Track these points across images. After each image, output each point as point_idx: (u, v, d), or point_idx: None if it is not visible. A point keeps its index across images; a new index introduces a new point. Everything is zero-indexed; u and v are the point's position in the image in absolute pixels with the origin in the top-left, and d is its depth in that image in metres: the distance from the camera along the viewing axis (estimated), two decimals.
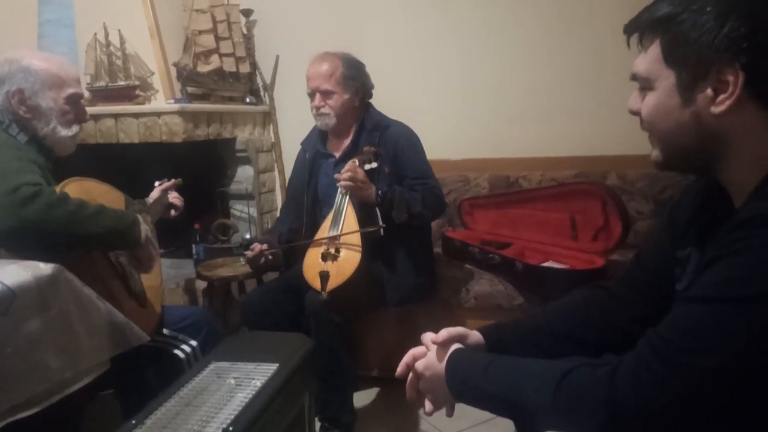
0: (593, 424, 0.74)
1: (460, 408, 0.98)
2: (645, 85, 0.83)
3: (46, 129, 1.58)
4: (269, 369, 1.27)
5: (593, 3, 2.80)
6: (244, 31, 3.22)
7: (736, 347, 0.67)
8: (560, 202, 2.46)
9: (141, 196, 1.93)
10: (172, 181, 2.02)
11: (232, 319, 2.64)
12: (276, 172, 3.41)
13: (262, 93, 3.39)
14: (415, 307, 2.24)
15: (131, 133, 2.68)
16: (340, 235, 2.01)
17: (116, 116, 2.69)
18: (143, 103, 2.72)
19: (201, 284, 2.75)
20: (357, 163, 2.05)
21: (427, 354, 1.01)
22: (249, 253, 2.18)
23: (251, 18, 3.27)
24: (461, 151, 3.03)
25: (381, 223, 2.02)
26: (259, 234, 3.15)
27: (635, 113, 0.86)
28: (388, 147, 2.16)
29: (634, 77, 0.85)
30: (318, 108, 2.19)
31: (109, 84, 2.70)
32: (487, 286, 2.39)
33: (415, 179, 2.15)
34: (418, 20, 3.09)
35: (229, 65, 3.03)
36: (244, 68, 3.16)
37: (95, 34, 2.69)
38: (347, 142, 2.25)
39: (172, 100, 2.68)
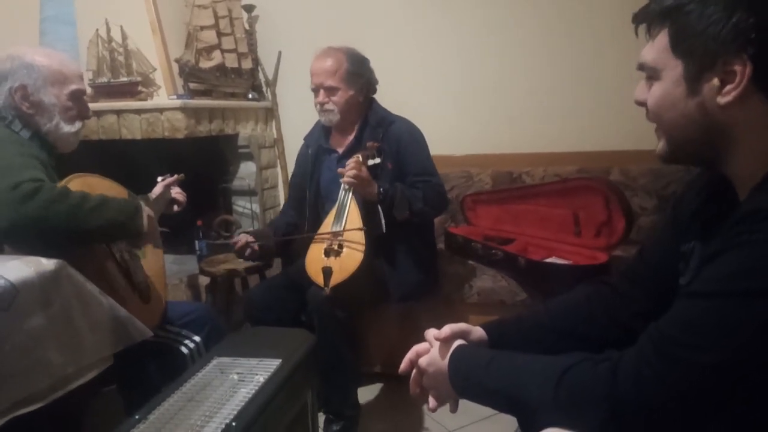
0: (594, 419, 0.74)
1: (463, 404, 0.98)
2: (652, 74, 0.83)
3: (49, 125, 1.58)
4: (272, 364, 1.27)
5: None
6: (246, 26, 3.22)
7: (737, 342, 0.67)
8: (563, 197, 2.45)
9: (143, 192, 1.93)
10: (175, 176, 2.02)
11: (235, 314, 2.64)
12: (278, 168, 3.40)
13: (264, 89, 3.38)
14: (417, 302, 2.24)
15: (133, 129, 2.69)
16: (342, 232, 2.00)
17: (118, 112, 2.69)
18: (145, 99, 2.72)
19: (204, 280, 2.76)
20: (360, 159, 2.04)
21: (430, 350, 1.01)
22: (234, 244, 2.20)
23: (253, 14, 3.26)
24: (464, 147, 3.02)
25: (382, 220, 2.01)
26: None
27: (641, 104, 0.86)
28: (392, 143, 2.16)
29: (641, 67, 0.84)
30: (322, 104, 2.18)
31: (111, 80, 2.70)
32: (490, 282, 2.38)
33: (417, 176, 2.14)
34: (421, 15, 3.08)
35: (231, 61, 3.02)
36: (246, 64, 3.15)
37: (97, 30, 2.68)
38: (350, 137, 2.25)
39: (175, 96, 2.68)
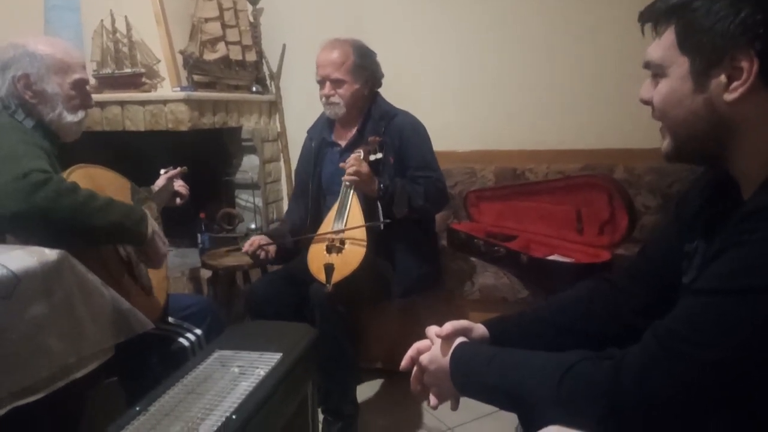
0: (596, 415, 0.74)
1: (464, 401, 0.98)
2: (658, 72, 0.82)
3: (52, 114, 1.58)
4: (273, 358, 1.27)
5: None
6: (251, 19, 3.21)
7: (739, 339, 0.67)
8: (566, 195, 2.45)
9: (146, 184, 1.94)
10: (178, 169, 2.02)
11: (237, 308, 2.64)
12: (282, 162, 3.40)
13: (268, 82, 3.37)
14: (419, 297, 2.24)
15: (137, 120, 2.68)
16: (344, 230, 2.00)
17: (122, 104, 2.68)
18: (149, 91, 2.71)
19: (206, 273, 2.76)
20: (362, 155, 2.03)
21: (432, 347, 1.00)
22: (247, 248, 2.15)
23: (258, 6, 3.25)
24: (468, 142, 3.02)
25: (382, 217, 2.01)
26: (264, 224, 3.15)
27: (647, 102, 0.85)
28: (394, 136, 2.15)
29: (647, 65, 0.84)
30: (327, 97, 2.17)
31: (116, 71, 2.70)
32: (492, 279, 2.38)
33: (418, 170, 2.14)
34: (426, 10, 3.06)
35: (235, 53, 3.02)
36: (251, 57, 3.14)
37: (102, 20, 2.68)
38: (353, 131, 2.24)
39: (178, 88, 2.67)
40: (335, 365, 1.94)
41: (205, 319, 1.79)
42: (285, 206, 3.34)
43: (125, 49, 2.70)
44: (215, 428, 1.01)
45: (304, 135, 2.42)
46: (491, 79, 3.01)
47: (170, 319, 1.75)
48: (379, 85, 2.27)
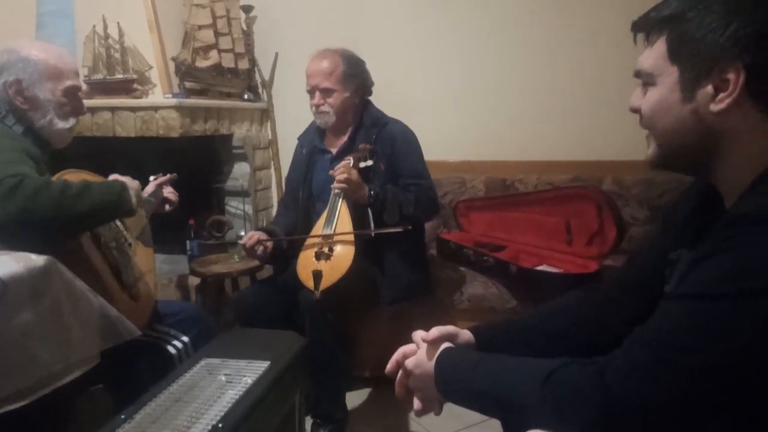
0: (580, 420, 0.74)
1: (452, 409, 0.97)
2: (647, 80, 0.84)
3: (42, 121, 1.57)
4: (260, 366, 1.26)
5: (592, 6, 2.81)
6: (244, 27, 3.22)
7: (724, 345, 0.67)
8: (556, 206, 2.47)
9: None
10: (168, 176, 2.01)
11: (225, 315, 2.63)
12: (272, 170, 3.40)
13: (260, 90, 3.38)
14: (409, 304, 2.24)
15: (128, 126, 2.68)
16: (333, 235, 2.00)
17: (113, 109, 2.68)
18: (140, 97, 2.71)
19: (194, 280, 2.75)
20: (351, 162, 2.04)
21: (417, 352, 1.01)
22: (246, 240, 2.10)
23: (251, 14, 3.26)
24: (458, 152, 3.03)
25: (372, 224, 2.01)
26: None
27: (636, 111, 0.87)
28: (385, 144, 2.16)
29: (638, 74, 0.85)
30: (318, 106, 2.18)
31: (107, 77, 2.70)
32: (481, 289, 2.39)
33: (409, 178, 2.15)
34: (418, 20, 3.09)
35: (227, 61, 3.02)
36: (243, 64, 3.15)
37: (94, 26, 2.68)
38: (344, 138, 2.25)
39: (170, 95, 2.67)
40: (325, 372, 1.94)
41: (192, 327, 1.77)
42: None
43: (117, 55, 2.70)
44: None
45: (295, 143, 2.42)
46: (482, 90, 3.03)
47: (157, 326, 1.74)
48: (370, 93, 2.29)
